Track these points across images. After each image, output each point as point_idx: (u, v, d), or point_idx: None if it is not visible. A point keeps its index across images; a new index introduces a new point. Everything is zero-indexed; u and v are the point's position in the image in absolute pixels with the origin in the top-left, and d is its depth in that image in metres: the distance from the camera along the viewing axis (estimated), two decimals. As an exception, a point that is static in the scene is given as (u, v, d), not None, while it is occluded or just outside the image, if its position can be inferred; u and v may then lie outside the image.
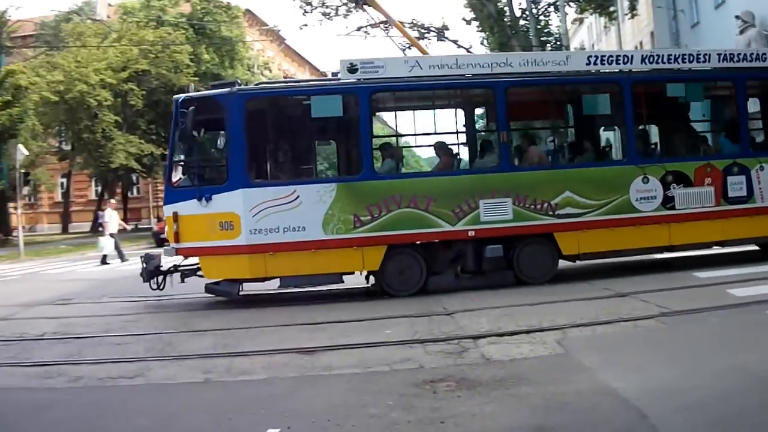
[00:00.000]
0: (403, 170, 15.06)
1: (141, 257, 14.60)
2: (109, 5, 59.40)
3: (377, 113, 14.63)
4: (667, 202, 13.82)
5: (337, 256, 13.32)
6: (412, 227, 13.42)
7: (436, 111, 15.74)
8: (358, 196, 13.40)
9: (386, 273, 13.59)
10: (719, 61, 14.31)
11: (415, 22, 34.19)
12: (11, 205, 42.35)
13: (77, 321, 12.59)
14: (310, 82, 16.68)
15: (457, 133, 15.46)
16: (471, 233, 13.47)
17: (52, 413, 6.88)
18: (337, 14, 31.31)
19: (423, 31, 33.88)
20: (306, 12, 28.15)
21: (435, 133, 14.97)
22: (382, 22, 24.64)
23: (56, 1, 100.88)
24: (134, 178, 54.50)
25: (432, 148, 14.90)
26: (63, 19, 50.66)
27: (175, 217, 13.60)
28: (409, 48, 23.22)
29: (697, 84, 14.58)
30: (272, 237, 13.17)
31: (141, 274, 14.25)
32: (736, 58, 14.34)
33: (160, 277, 14.20)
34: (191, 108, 13.22)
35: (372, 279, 13.87)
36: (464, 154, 15.59)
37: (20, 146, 31.95)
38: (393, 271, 13.59)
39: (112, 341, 10.51)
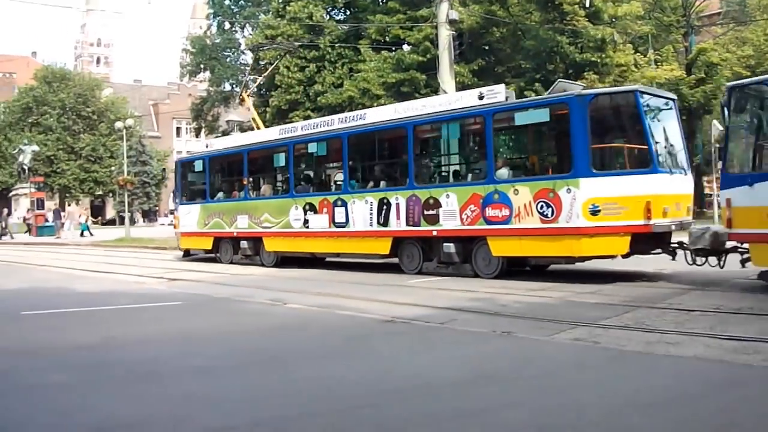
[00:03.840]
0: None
1: None
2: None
3: (214, 168, 25.74)
4: (306, 223, 21.22)
5: (200, 240, 25.65)
6: (219, 228, 24.61)
7: (235, 166, 24.95)
8: (205, 211, 25.25)
9: (220, 251, 25.03)
10: (337, 124, 21.02)
11: None
12: (705, 179, 43.63)
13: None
14: (200, 152, 27.74)
15: (239, 179, 24.59)
16: (235, 233, 23.97)
17: (741, 390, 6.82)
18: None
19: None
20: None
21: (235, 179, 24.96)
22: None
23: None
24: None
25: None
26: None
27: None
28: None
29: (322, 143, 21.57)
30: (187, 228, 26.08)
31: None
32: (346, 120, 20.91)
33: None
34: (178, 165, 27.76)
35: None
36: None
37: (715, 122, 32.30)
38: (221, 250, 24.97)
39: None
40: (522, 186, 16.19)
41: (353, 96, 33.82)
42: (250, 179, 24.40)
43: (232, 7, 50.09)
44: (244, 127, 50.03)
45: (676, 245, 15.68)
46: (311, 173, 23.49)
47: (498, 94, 17.09)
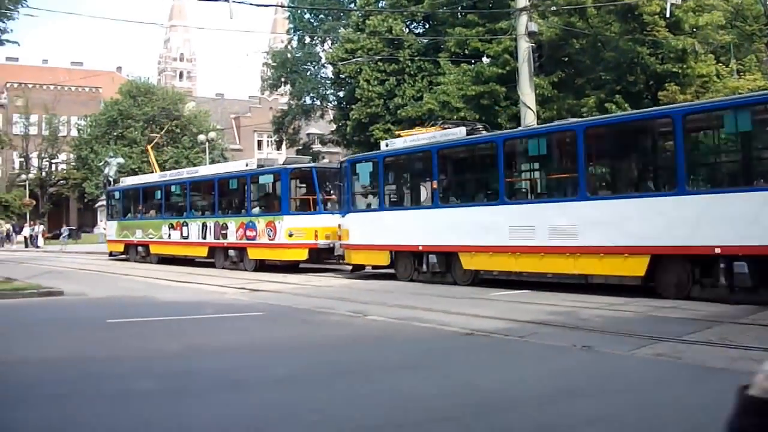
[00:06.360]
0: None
1: None
2: None
3: (125, 197, 38.78)
4: (170, 236, 32.89)
5: (117, 245, 38.17)
6: (127, 238, 36.64)
7: (136, 197, 37.66)
8: (120, 226, 37.82)
9: (128, 254, 36.83)
10: (185, 174, 34.81)
11: None
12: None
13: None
14: (118, 186, 42.42)
15: (138, 205, 37.13)
16: (135, 242, 35.85)
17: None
18: None
19: None
20: None
21: (136, 205, 37.41)
22: None
23: None
24: None
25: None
26: None
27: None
28: None
29: (177, 185, 33.54)
30: (110, 237, 39.62)
31: None
32: (189, 173, 35.10)
33: None
34: (106, 194, 48.53)
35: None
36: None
37: None
38: (129, 253, 36.87)
39: None
40: (261, 218, 27.45)
41: (433, 109, 33.78)
42: (144, 206, 36.46)
43: (312, 21, 50.54)
44: (324, 140, 50.71)
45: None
46: (174, 204, 34.42)
47: (254, 163, 29.37)
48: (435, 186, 20.31)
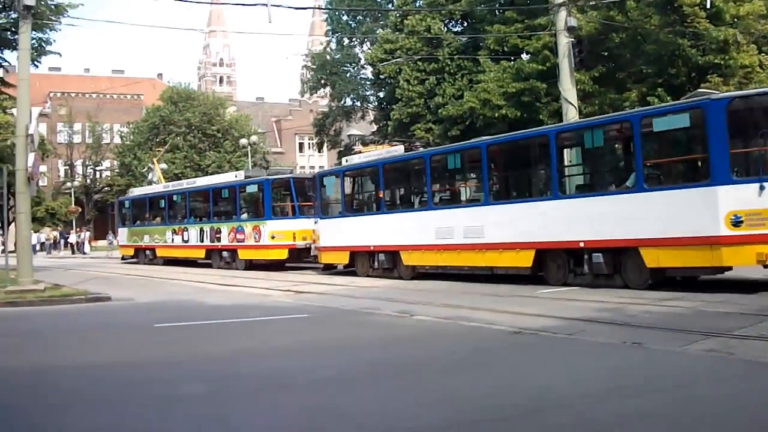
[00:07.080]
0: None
1: None
2: None
3: (134, 206, 42.94)
4: (173, 240, 36.96)
5: (128, 249, 42.69)
6: (136, 243, 41.07)
7: (143, 205, 42.04)
8: (130, 233, 42.11)
9: (138, 257, 40.94)
10: (185, 185, 39.16)
11: None
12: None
13: None
14: (127, 196, 47.07)
15: (145, 213, 41.49)
16: (143, 246, 40.19)
17: None
18: None
19: None
20: None
21: (143, 213, 41.91)
22: None
23: None
24: None
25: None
26: None
27: None
28: None
29: (179, 195, 37.90)
30: (122, 243, 44.29)
31: None
32: (189, 184, 38.98)
33: None
34: (116, 204, 52.56)
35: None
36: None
37: None
38: (138, 257, 41.02)
39: None
40: (249, 223, 31.49)
41: (474, 107, 33.67)
42: (150, 214, 40.82)
43: (350, 22, 50.67)
44: (365, 141, 50.74)
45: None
46: (176, 211, 38.41)
47: (242, 174, 34.15)
48: (381, 195, 24.48)
